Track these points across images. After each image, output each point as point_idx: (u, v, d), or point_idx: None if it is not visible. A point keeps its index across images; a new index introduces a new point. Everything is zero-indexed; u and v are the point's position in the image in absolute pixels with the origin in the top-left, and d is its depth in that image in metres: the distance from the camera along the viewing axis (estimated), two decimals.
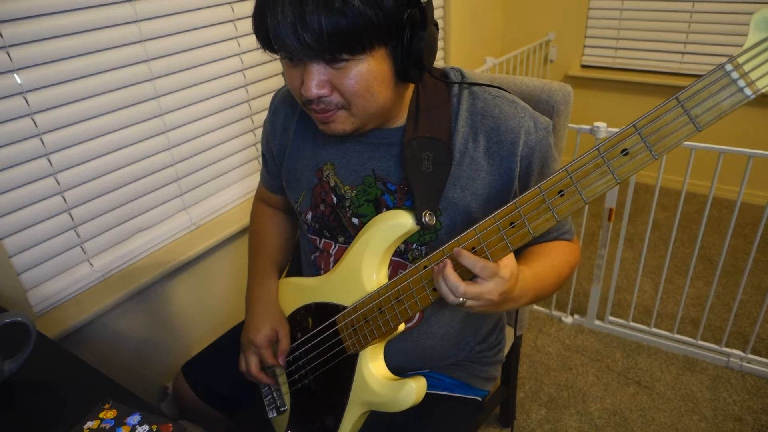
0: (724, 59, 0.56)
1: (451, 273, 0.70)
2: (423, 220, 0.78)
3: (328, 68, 0.71)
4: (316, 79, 0.72)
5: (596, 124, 1.62)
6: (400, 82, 0.76)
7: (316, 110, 0.76)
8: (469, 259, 0.69)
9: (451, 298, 0.70)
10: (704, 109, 0.57)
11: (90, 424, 0.71)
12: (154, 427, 0.71)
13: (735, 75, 0.55)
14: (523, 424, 1.63)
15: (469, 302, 0.69)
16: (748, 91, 0.55)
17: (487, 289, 0.68)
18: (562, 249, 0.89)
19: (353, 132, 0.79)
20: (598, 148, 0.63)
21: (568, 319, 2.02)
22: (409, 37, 0.70)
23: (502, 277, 0.68)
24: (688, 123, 0.58)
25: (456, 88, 0.86)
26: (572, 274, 0.88)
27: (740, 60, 0.55)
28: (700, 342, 1.82)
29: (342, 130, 0.78)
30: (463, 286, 0.68)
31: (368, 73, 0.71)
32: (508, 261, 0.70)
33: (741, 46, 0.55)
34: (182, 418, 1.16)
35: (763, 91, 0.55)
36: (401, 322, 0.83)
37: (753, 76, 0.54)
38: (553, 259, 0.85)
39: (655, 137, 0.59)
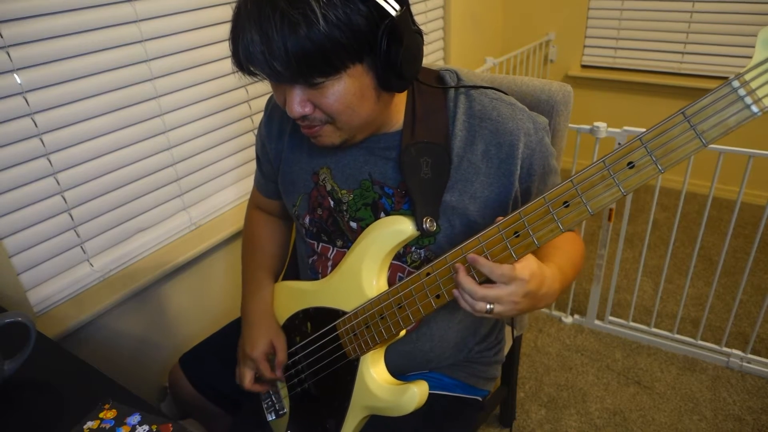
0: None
1: (464, 278, 0.69)
2: (424, 225, 0.77)
3: (306, 89, 0.71)
4: (297, 100, 0.72)
5: (596, 124, 1.62)
6: (385, 92, 0.76)
7: (303, 125, 0.77)
8: (486, 266, 0.68)
9: (470, 303, 0.69)
10: (711, 125, 0.57)
11: (90, 424, 0.72)
12: (154, 427, 0.71)
13: (742, 92, 0.55)
14: (523, 424, 1.63)
15: (496, 308, 0.68)
16: (755, 108, 0.55)
17: (507, 291, 0.67)
18: (569, 239, 0.88)
19: (342, 144, 0.79)
20: (603, 161, 0.62)
21: (568, 319, 2.02)
22: (385, 51, 0.68)
23: (521, 279, 0.67)
24: (694, 138, 0.58)
25: (452, 91, 0.85)
26: (583, 262, 0.87)
27: (747, 77, 0.54)
28: (700, 342, 1.82)
29: (330, 142, 0.78)
30: (480, 290, 0.67)
31: (346, 91, 0.71)
32: (527, 262, 0.68)
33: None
34: (182, 418, 1.17)
35: None
36: (403, 329, 0.82)
37: (760, 93, 0.54)
38: (567, 251, 0.85)
39: (661, 151, 0.59)
